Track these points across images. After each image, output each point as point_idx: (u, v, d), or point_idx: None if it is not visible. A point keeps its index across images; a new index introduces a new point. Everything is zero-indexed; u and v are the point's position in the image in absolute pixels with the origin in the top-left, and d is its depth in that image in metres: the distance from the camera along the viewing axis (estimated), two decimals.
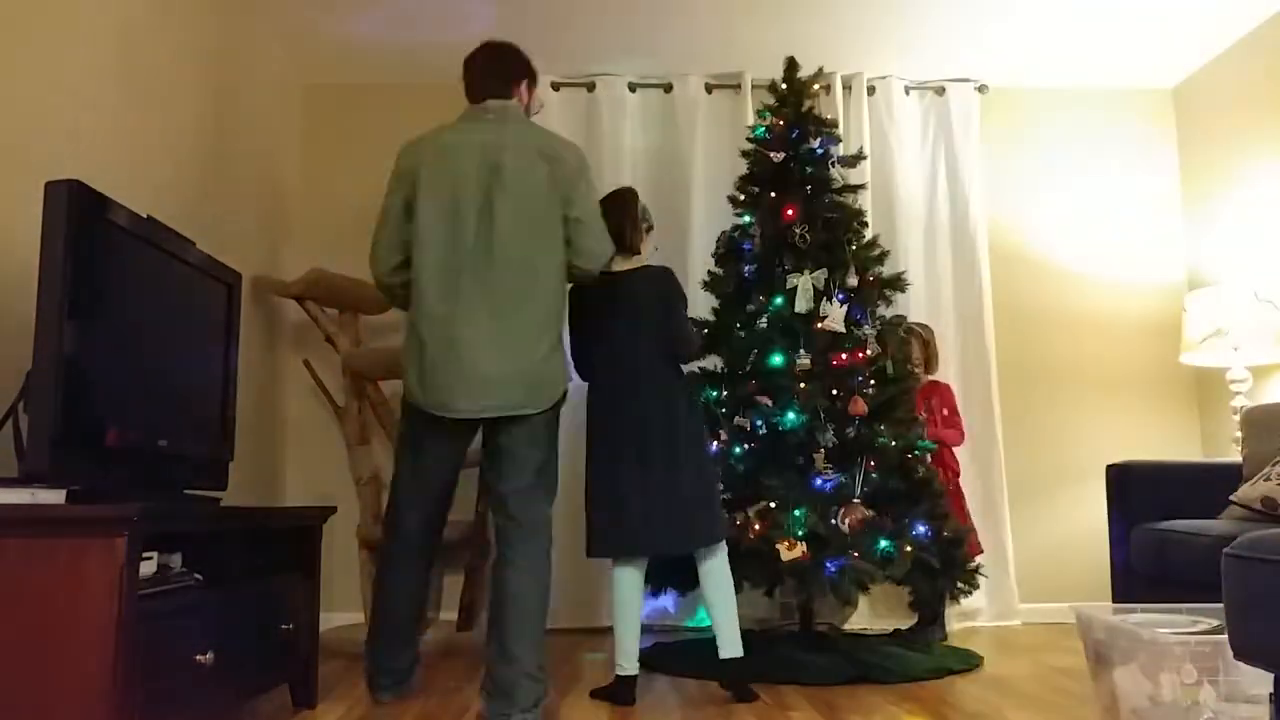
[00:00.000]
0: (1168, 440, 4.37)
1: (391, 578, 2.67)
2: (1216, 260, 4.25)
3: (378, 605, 2.69)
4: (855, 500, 3.21)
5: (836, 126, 3.81)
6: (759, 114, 3.76)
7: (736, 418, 3.39)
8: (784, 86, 3.67)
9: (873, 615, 4.05)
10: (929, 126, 4.52)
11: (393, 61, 4.26)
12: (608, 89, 4.41)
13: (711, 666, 2.84)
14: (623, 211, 2.86)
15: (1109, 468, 3.50)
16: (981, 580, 3.40)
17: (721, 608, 2.75)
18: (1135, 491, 3.37)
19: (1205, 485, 3.29)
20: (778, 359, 3.37)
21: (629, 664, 2.72)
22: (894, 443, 3.32)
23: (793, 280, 3.43)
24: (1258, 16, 3.89)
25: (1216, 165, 4.26)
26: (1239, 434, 3.53)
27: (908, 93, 4.51)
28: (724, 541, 2.81)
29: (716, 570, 2.78)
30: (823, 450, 3.27)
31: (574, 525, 4.13)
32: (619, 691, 2.71)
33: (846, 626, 3.96)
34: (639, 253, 2.88)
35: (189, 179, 3.30)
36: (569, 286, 2.71)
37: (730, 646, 2.73)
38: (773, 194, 3.56)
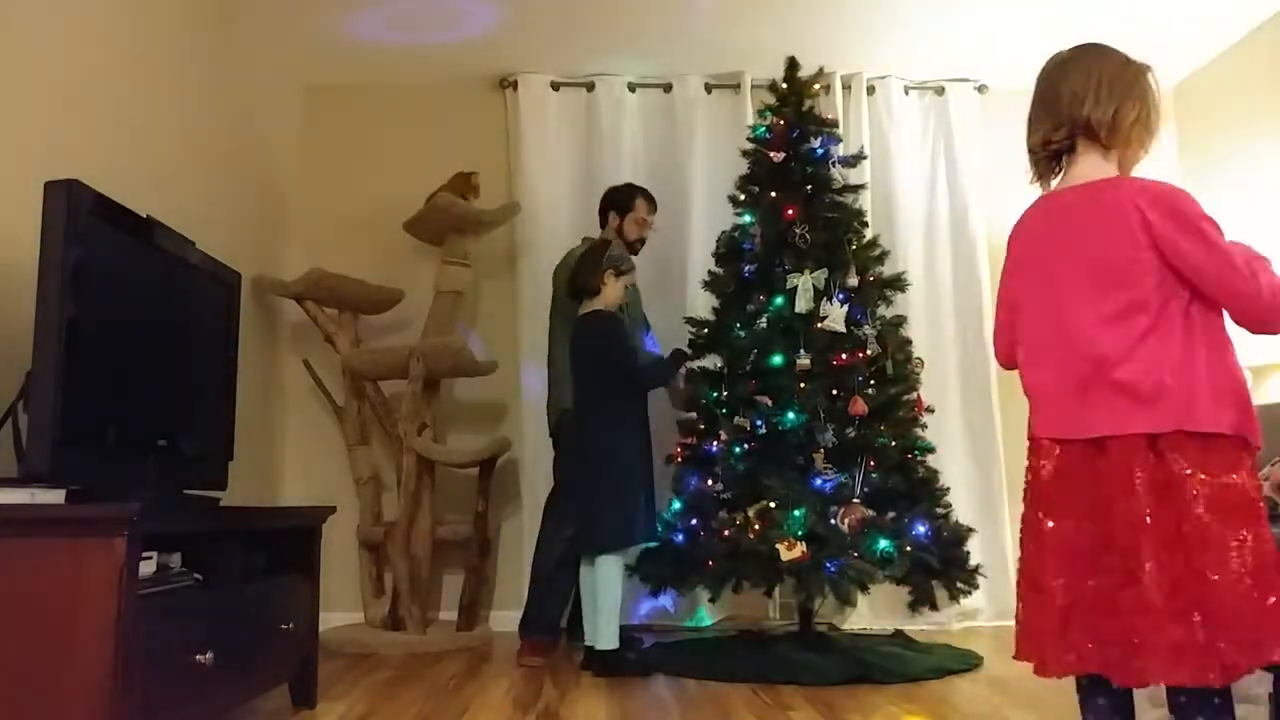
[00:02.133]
0: None
1: None
2: None
3: None
4: (855, 500, 3.21)
5: (836, 126, 3.81)
6: (759, 114, 3.76)
7: (736, 417, 3.38)
8: (784, 86, 3.67)
9: (873, 615, 4.05)
10: (929, 126, 4.52)
11: (393, 61, 4.26)
12: (608, 89, 4.41)
13: (710, 666, 2.99)
14: (584, 260, 3.38)
15: None
16: (981, 580, 3.40)
17: (588, 604, 3.27)
18: None
19: None
20: (778, 359, 3.37)
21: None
22: (894, 443, 3.32)
23: (793, 280, 3.43)
24: (1257, 16, 3.89)
25: (1216, 164, 4.26)
26: None
27: (907, 93, 4.51)
28: (605, 552, 3.17)
29: (589, 575, 3.25)
30: (822, 450, 3.26)
31: None
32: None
33: (846, 626, 3.96)
34: (596, 293, 3.32)
35: (189, 179, 3.30)
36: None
37: (593, 637, 3.19)
38: (773, 194, 3.56)
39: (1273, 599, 1.45)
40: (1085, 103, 1.64)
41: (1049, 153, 1.72)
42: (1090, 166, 1.67)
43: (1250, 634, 1.44)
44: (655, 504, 3.34)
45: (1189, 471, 1.50)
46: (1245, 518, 1.48)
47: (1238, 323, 1.59)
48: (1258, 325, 1.58)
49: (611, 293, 3.33)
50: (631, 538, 3.21)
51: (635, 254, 3.74)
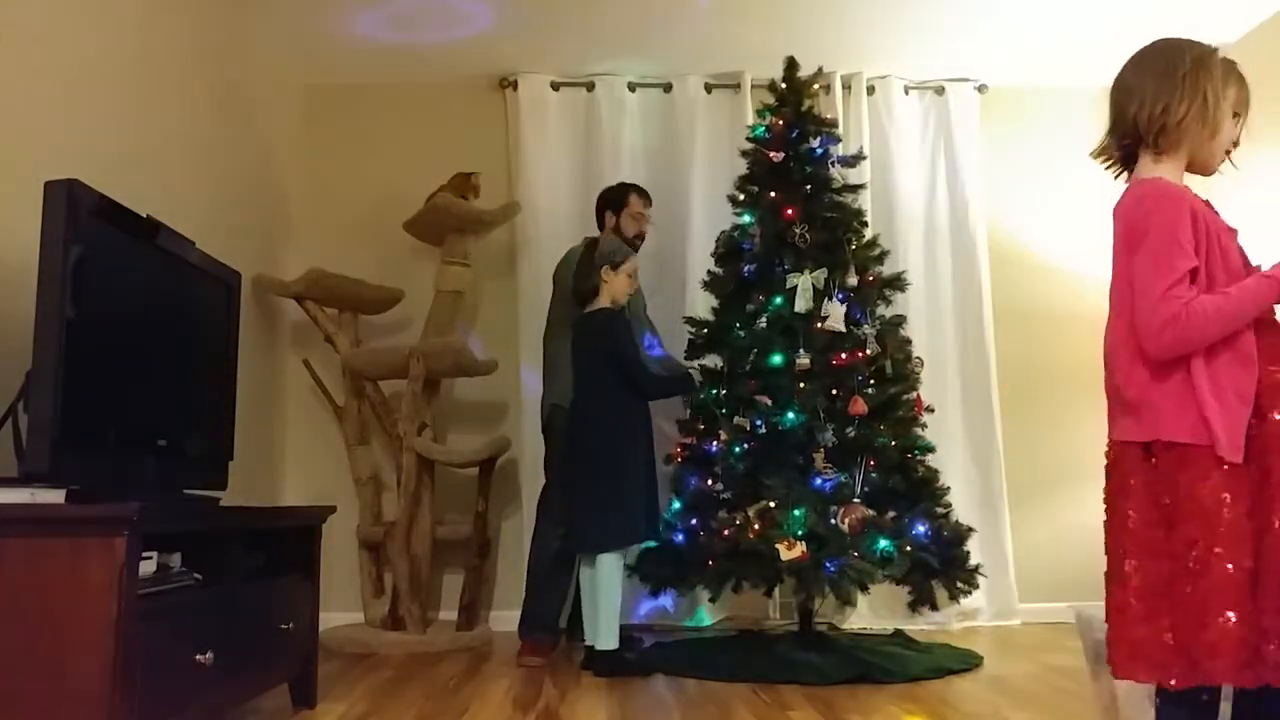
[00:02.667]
0: None
1: None
2: None
3: None
4: (855, 500, 3.21)
5: (836, 126, 3.81)
6: (759, 114, 3.76)
7: (736, 417, 3.38)
8: (784, 86, 3.67)
9: (873, 615, 4.05)
10: (929, 126, 4.52)
11: (393, 61, 4.26)
12: (607, 89, 4.41)
13: (710, 666, 3.00)
14: (580, 267, 3.40)
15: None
16: (981, 580, 3.40)
17: (588, 604, 3.26)
18: None
19: None
20: (777, 359, 3.37)
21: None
22: (893, 442, 3.32)
23: (792, 280, 3.43)
24: (1257, 17, 3.89)
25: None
26: None
27: (907, 92, 4.51)
28: (601, 554, 3.17)
29: (588, 574, 3.25)
30: (822, 450, 3.26)
31: None
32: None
33: (846, 626, 3.96)
34: (596, 295, 3.33)
35: (189, 179, 3.30)
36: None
37: (594, 637, 3.19)
38: (772, 194, 3.56)
39: (1210, 619, 1.43)
40: (1133, 105, 1.61)
41: (1108, 163, 1.70)
42: (1144, 170, 1.63)
43: (1192, 648, 1.44)
44: (658, 501, 3.34)
45: (1164, 479, 1.51)
46: (1201, 530, 1.46)
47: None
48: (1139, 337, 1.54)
49: (614, 287, 3.32)
50: (632, 537, 3.21)
51: (636, 250, 3.73)
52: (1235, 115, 1.66)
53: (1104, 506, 1.65)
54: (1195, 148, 1.62)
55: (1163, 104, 1.58)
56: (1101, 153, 1.70)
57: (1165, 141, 1.60)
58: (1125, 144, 1.65)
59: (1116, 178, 1.72)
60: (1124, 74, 1.67)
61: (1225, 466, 1.48)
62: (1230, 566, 1.45)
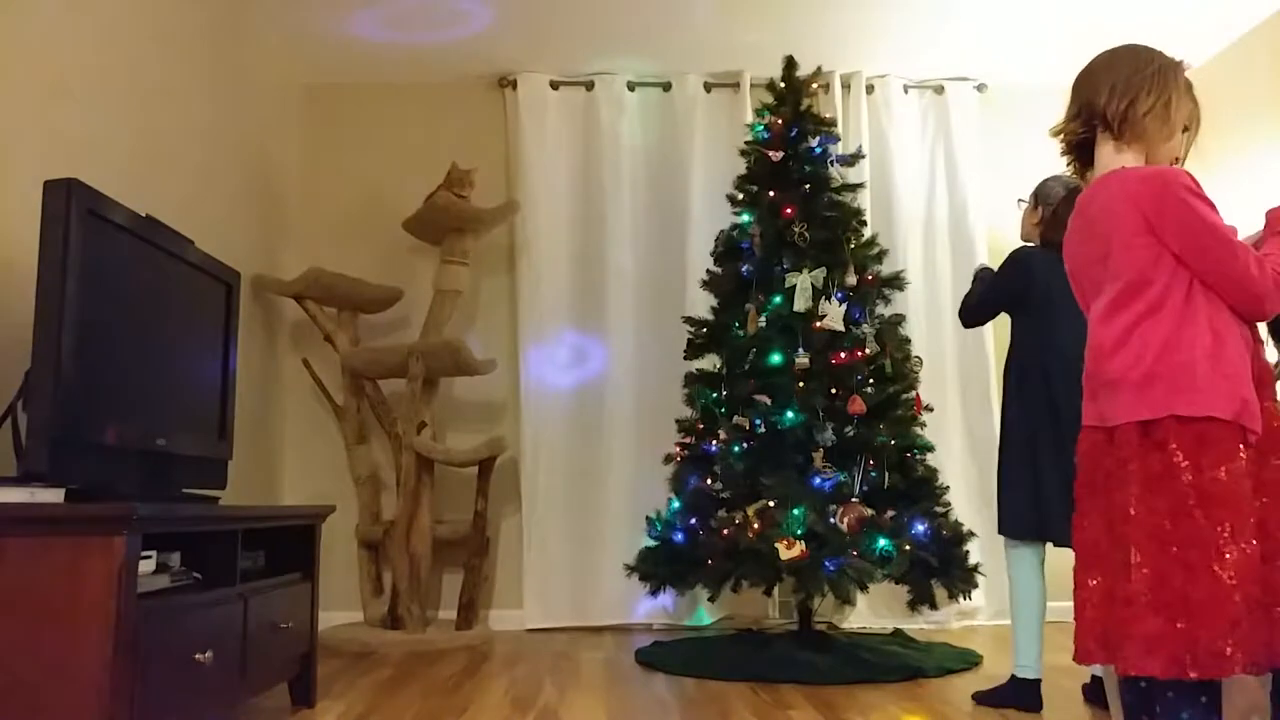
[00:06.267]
0: None
1: None
2: None
3: None
4: (854, 499, 3.21)
5: (835, 125, 3.81)
6: (758, 113, 3.76)
7: (735, 417, 3.39)
8: (783, 85, 3.67)
9: (872, 614, 4.05)
10: (928, 125, 4.52)
11: (392, 61, 4.26)
12: (607, 88, 4.41)
13: (710, 665, 2.92)
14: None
15: None
16: (980, 579, 3.40)
17: None
18: None
19: None
20: (776, 358, 3.37)
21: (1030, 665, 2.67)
22: (892, 441, 3.32)
23: (791, 279, 3.43)
24: (1257, 15, 3.89)
25: (1214, 163, 4.26)
26: None
27: (906, 91, 4.51)
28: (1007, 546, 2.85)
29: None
30: (821, 449, 3.27)
31: (576, 521, 4.14)
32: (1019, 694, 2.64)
33: (846, 625, 3.96)
34: None
35: (189, 179, 3.30)
36: None
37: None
38: (771, 193, 3.56)
39: (1229, 608, 1.41)
40: (1102, 95, 1.69)
41: (1068, 143, 1.80)
42: (1106, 157, 1.71)
43: (1212, 639, 1.41)
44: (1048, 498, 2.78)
45: (1173, 459, 1.48)
46: (1229, 513, 1.45)
47: (1230, 304, 1.59)
48: (1249, 303, 1.59)
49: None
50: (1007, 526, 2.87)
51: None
52: (1185, 129, 1.73)
53: (1079, 498, 1.63)
54: (1152, 147, 1.70)
55: (1129, 97, 1.67)
56: (1060, 133, 1.81)
57: (1129, 133, 1.67)
58: (1083, 132, 1.75)
59: (1069, 165, 1.85)
60: (1094, 65, 1.76)
61: (1243, 446, 1.49)
62: (1249, 550, 1.45)
